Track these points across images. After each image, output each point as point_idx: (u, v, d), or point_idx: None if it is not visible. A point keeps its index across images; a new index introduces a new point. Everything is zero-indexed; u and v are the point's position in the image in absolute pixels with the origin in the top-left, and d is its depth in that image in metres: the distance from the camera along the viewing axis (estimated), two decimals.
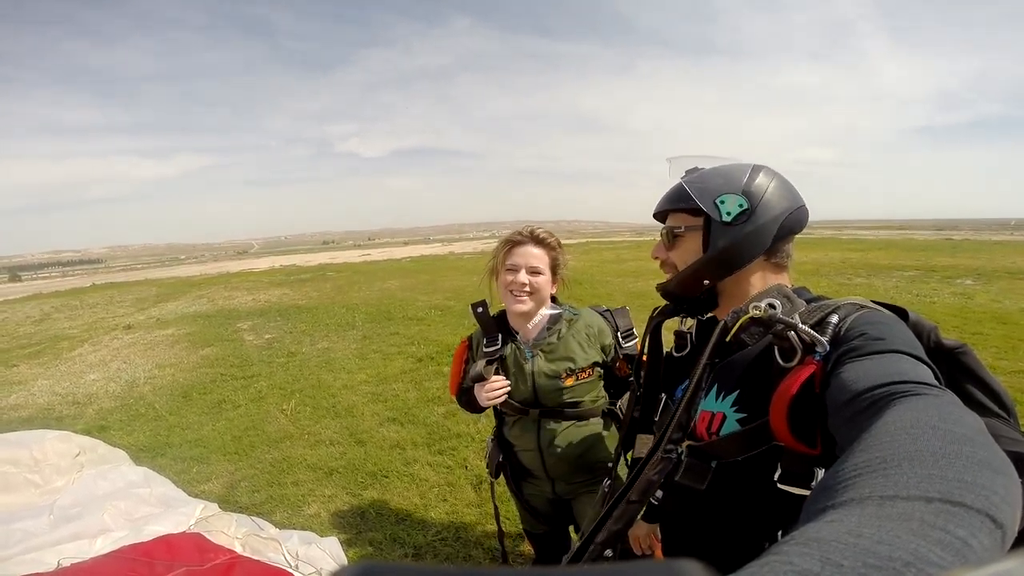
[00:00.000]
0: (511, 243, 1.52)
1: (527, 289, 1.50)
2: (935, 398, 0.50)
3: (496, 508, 1.90)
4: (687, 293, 0.96)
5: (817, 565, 0.25)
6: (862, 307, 0.75)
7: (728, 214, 0.86)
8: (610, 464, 1.74)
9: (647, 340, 1.10)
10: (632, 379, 1.64)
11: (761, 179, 0.87)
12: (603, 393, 1.66)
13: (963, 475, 0.33)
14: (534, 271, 1.51)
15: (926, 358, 0.64)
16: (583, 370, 1.58)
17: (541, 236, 1.54)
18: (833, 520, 0.31)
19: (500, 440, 1.75)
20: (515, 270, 1.50)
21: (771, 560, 0.27)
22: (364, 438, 3.86)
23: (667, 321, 1.07)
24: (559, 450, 1.61)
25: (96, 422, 4.62)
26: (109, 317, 11.65)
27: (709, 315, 1.02)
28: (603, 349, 1.61)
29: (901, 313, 0.75)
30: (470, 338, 1.71)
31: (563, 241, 1.61)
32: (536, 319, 1.60)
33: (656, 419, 1.11)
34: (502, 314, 1.64)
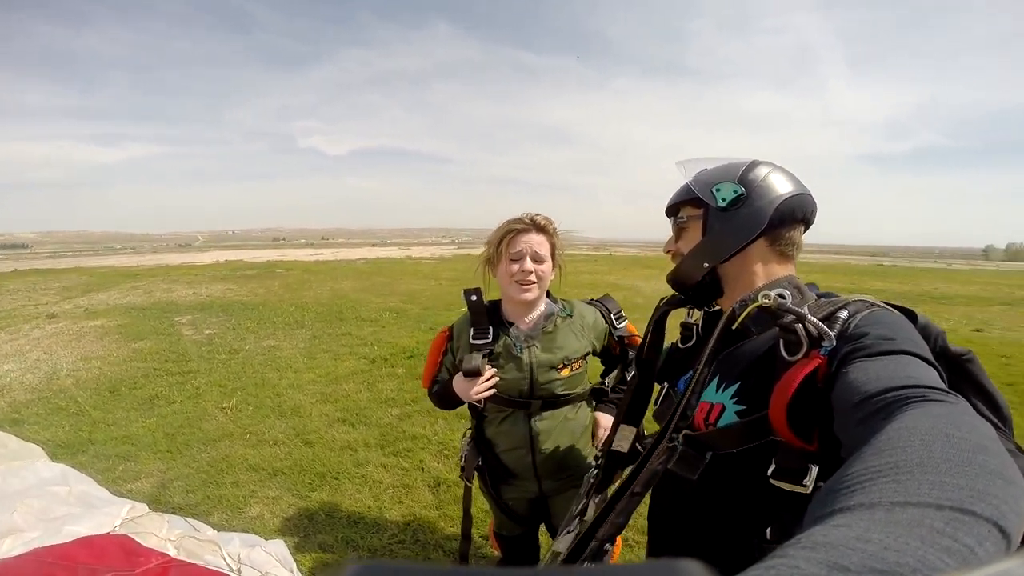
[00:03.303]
0: (513, 231, 1.47)
1: (532, 278, 1.46)
2: (950, 405, 0.49)
3: (469, 515, 1.80)
4: (690, 278, 0.96)
5: (824, 570, 0.25)
6: (872, 305, 0.75)
7: (723, 200, 0.89)
8: (596, 457, 1.71)
9: (651, 329, 1.09)
10: (631, 367, 1.65)
11: (759, 169, 0.90)
12: (588, 381, 1.67)
13: (975, 484, 0.33)
14: (537, 258, 1.48)
15: (934, 361, 0.63)
16: (576, 361, 1.56)
17: (542, 223, 1.49)
18: (841, 524, 0.30)
19: (479, 441, 1.67)
20: (520, 258, 1.46)
21: (777, 563, 0.27)
22: (312, 439, 3.65)
23: (674, 313, 1.07)
24: (550, 445, 1.57)
25: (8, 415, 4.18)
26: (31, 305, 10.67)
27: (716, 307, 1.03)
28: (597, 336, 1.62)
29: (910, 315, 0.75)
30: (451, 328, 1.63)
31: None
32: (536, 312, 1.56)
33: (656, 407, 1.09)
34: (494, 304, 1.59)
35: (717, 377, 0.87)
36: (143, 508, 2.29)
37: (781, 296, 0.78)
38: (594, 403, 1.73)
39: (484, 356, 1.51)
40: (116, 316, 8.88)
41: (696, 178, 0.94)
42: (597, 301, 1.70)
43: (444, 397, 1.59)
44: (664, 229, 1.05)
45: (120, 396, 4.59)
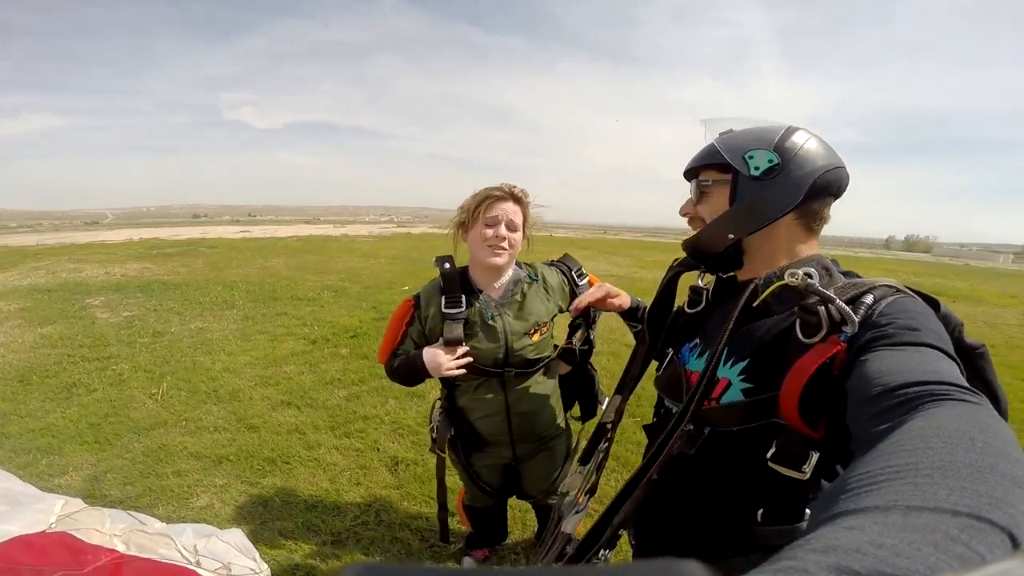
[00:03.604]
0: (492, 197, 1.49)
1: (505, 244, 1.48)
2: (975, 406, 0.48)
3: (444, 485, 1.79)
4: (712, 248, 0.92)
5: (833, 574, 0.25)
6: (898, 291, 0.72)
7: (756, 168, 0.83)
8: (564, 422, 1.75)
9: (662, 290, 1.06)
10: (595, 324, 1.66)
11: (796, 137, 0.84)
12: (553, 343, 1.70)
13: (994, 491, 0.32)
14: (511, 226, 1.50)
15: (955, 356, 0.62)
16: (545, 324, 1.59)
17: (518, 193, 1.52)
18: (853, 527, 0.30)
19: (451, 411, 1.66)
20: (495, 224, 1.48)
21: (785, 565, 0.27)
22: (256, 423, 3.49)
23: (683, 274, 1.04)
24: (526, 408, 1.60)
25: None
26: None
27: (730, 273, 0.99)
28: (563, 297, 1.66)
29: (933, 304, 0.72)
30: (416, 298, 1.60)
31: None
32: (504, 278, 1.59)
33: (658, 373, 1.05)
34: (463, 271, 1.57)
35: (727, 351, 0.83)
36: (78, 503, 2.13)
37: (808, 276, 0.75)
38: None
39: (461, 320, 1.50)
40: (16, 299, 8.00)
41: (726, 141, 0.87)
42: (558, 261, 1.73)
43: (407, 372, 1.53)
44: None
45: (31, 385, 4.16)
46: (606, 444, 1.14)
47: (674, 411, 0.94)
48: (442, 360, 1.45)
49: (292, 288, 9.01)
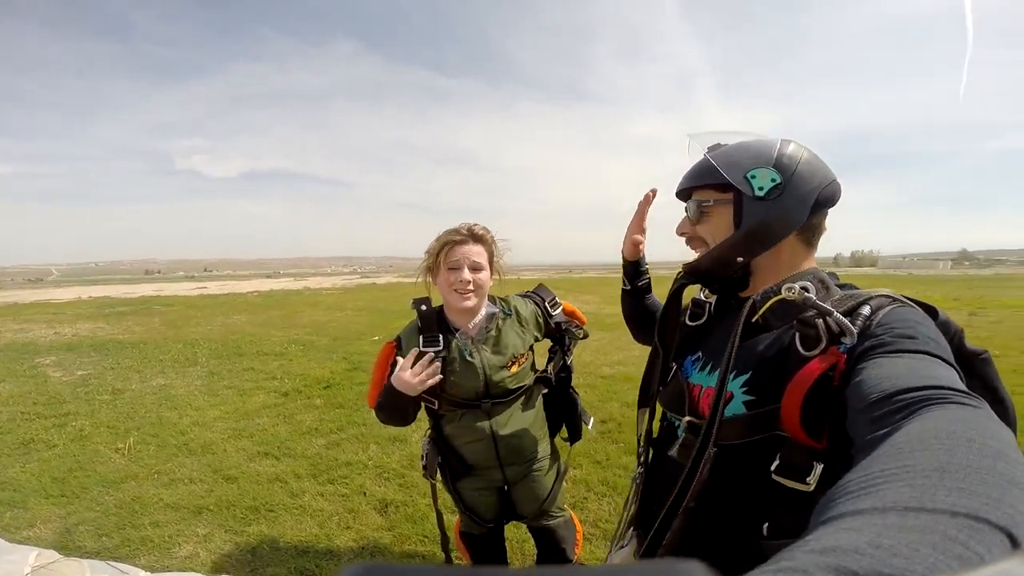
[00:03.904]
0: (451, 242, 1.50)
1: (471, 287, 1.50)
2: (973, 408, 0.47)
3: (439, 512, 1.80)
4: (721, 272, 0.90)
5: (831, 575, 0.25)
6: (895, 300, 0.72)
7: (760, 188, 0.81)
8: (551, 444, 1.77)
9: (668, 303, 1.02)
10: (570, 351, 1.71)
11: (792, 151, 0.83)
12: (534, 370, 1.72)
13: (992, 492, 0.32)
14: (476, 267, 1.51)
15: (954, 363, 0.61)
16: (523, 355, 1.63)
17: (478, 232, 1.53)
18: (852, 528, 0.30)
19: (438, 440, 1.68)
20: (458, 268, 1.49)
21: (783, 565, 0.26)
22: (233, 474, 3.37)
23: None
24: (511, 432, 1.62)
25: None
26: None
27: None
28: (537, 327, 1.69)
29: (931, 312, 0.72)
30: (398, 340, 1.60)
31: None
32: (478, 317, 1.60)
33: (663, 389, 1.02)
34: (439, 311, 1.61)
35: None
36: (53, 554, 2.04)
37: (805, 289, 0.76)
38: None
39: (438, 357, 1.51)
40: None
41: (724, 159, 0.85)
42: (532, 292, 1.75)
43: (388, 403, 1.49)
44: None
45: None
46: (640, 470, 1.07)
47: (676, 424, 0.95)
48: (407, 376, 1.41)
49: (257, 343, 8.79)
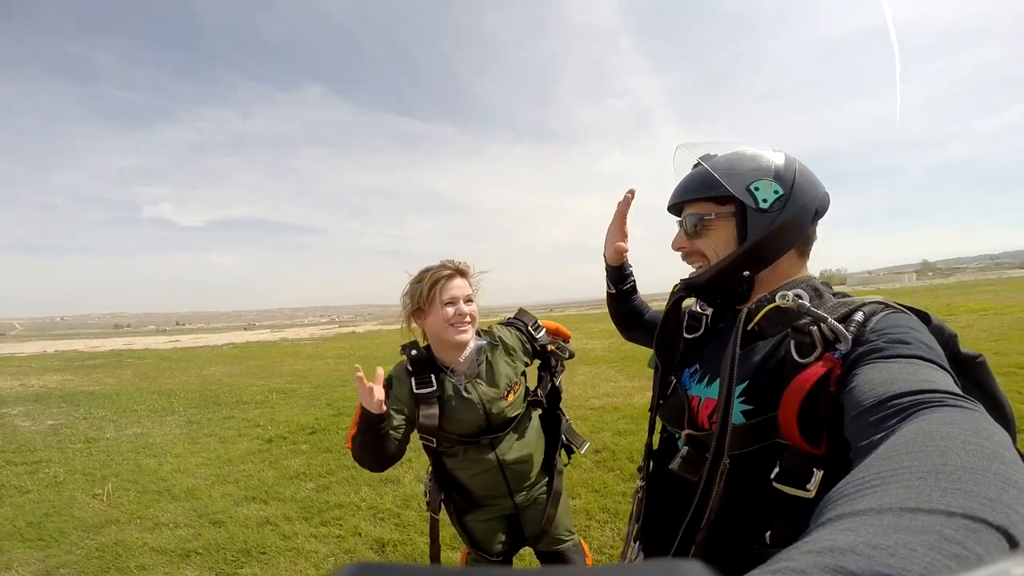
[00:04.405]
0: (442, 277, 1.50)
1: (467, 319, 1.51)
2: (968, 411, 0.47)
3: (437, 543, 1.76)
4: (728, 286, 0.88)
5: (829, 575, 0.25)
6: (887, 307, 0.73)
7: (764, 201, 0.80)
8: (552, 463, 1.75)
9: (666, 315, 1.00)
10: (558, 372, 1.73)
11: (788, 163, 0.83)
12: (527, 394, 1.73)
13: (988, 492, 0.32)
14: (468, 300, 1.53)
15: (948, 367, 0.61)
16: (516, 383, 1.63)
17: (463, 268, 1.56)
18: (849, 529, 0.30)
19: (440, 477, 1.67)
20: (454, 302, 1.50)
21: (781, 567, 0.26)
22: (221, 518, 3.26)
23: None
24: (516, 457, 1.62)
25: None
26: None
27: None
28: (524, 352, 1.69)
29: (924, 317, 0.72)
30: (389, 379, 1.55)
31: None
32: (468, 351, 1.59)
33: (663, 403, 1.00)
34: (427, 353, 1.59)
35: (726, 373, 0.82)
36: None
37: (799, 297, 0.76)
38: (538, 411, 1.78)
39: (432, 401, 1.51)
40: None
41: (724, 170, 0.84)
42: (513, 319, 1.75)
43: (366, 439, 1.39)
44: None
45: None
46: (642, 483, 1.06)
47: (676, 437, 0.95)
48: (365, 395, 1.33)
49: (237, 393, 8.59)
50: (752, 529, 0.76)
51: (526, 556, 2.32)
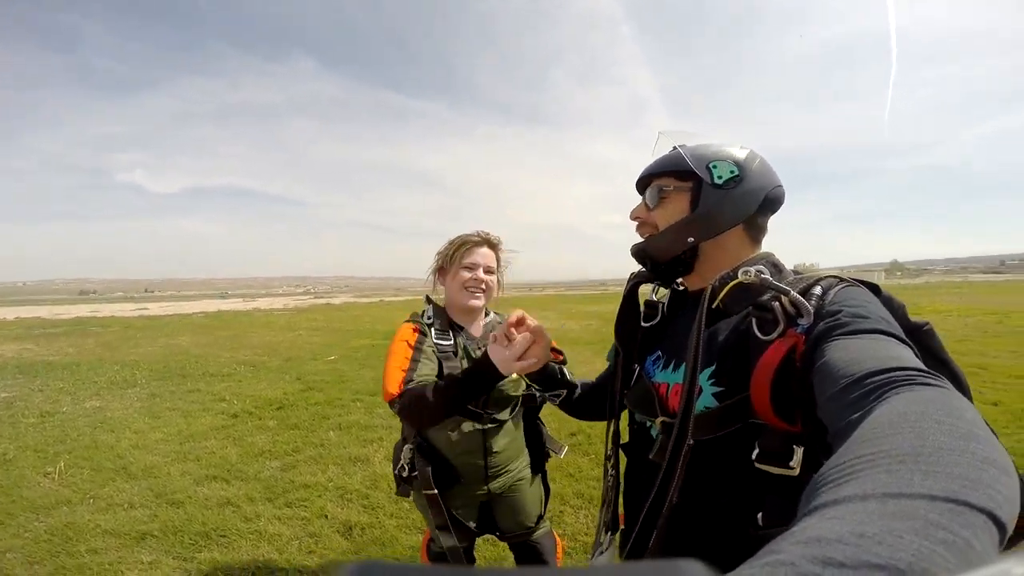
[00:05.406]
0: (469, 243, 1.57)
1: (483, 286, 1.56)
2: (939, 389, 0.48)
3: (443, 516, 1.69)
4: (669, 251, 0.92)
5: (818, 566, 0.25)
6: (842, 281, 0.75)
7: (719, 177, 0.86)
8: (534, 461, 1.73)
9: (624, 301, 1.02)
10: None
11: (750, 154, 0.89)
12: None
13: (968, 472, 0.32)
14: (488, 270, 1.58)
15: (907, 339, 0.63)
16: None
17: (492, 239, 1.61)
18: (834, 517, 0.30)
19: (425, 449, 1.60)
20: (474, 267, 1.55)
21: (770, 559, 0.26)
22: (179, 499, 3.15)
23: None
24: (501, 446, 1.61)
25: None
26: None
27: (681, 286, 1.00)
28: None
29: (874, 289, 0.75)
30: (417, 321, 1.55)
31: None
32: (483, 320, 1.66)
33: (629, 392, 1.00)
34: (444, 311, 1.63)
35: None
36: None
37: (761, 272, 0.78)
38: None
39: (453, 355, 1.52)
40: None
41: (691, 152, 0.89)
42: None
43: (455, 389, 1.25)
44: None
45: None
46: (612, 476, 1.06)
47: (648, 425, 0.94)
48: (505, 355, 1.17)
49: (203, 365, 8.38)
50: (743, 513, 0.76)
51: (500, 546, 2.29)
